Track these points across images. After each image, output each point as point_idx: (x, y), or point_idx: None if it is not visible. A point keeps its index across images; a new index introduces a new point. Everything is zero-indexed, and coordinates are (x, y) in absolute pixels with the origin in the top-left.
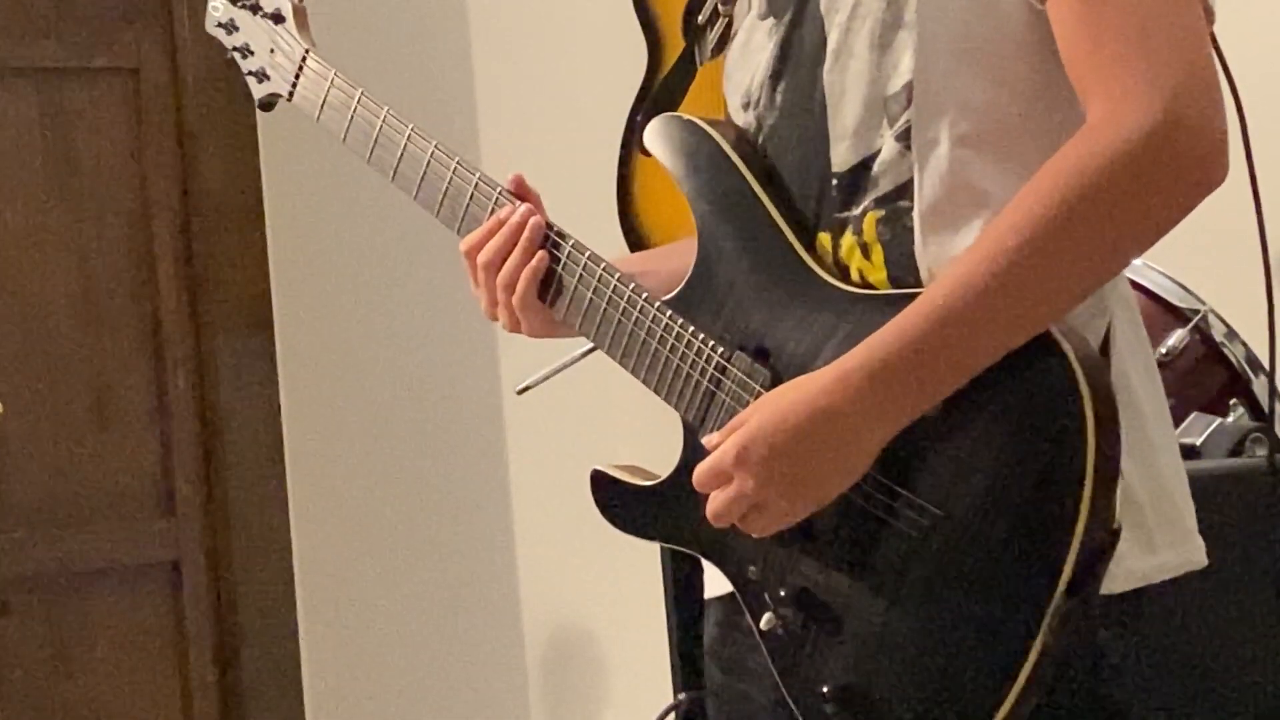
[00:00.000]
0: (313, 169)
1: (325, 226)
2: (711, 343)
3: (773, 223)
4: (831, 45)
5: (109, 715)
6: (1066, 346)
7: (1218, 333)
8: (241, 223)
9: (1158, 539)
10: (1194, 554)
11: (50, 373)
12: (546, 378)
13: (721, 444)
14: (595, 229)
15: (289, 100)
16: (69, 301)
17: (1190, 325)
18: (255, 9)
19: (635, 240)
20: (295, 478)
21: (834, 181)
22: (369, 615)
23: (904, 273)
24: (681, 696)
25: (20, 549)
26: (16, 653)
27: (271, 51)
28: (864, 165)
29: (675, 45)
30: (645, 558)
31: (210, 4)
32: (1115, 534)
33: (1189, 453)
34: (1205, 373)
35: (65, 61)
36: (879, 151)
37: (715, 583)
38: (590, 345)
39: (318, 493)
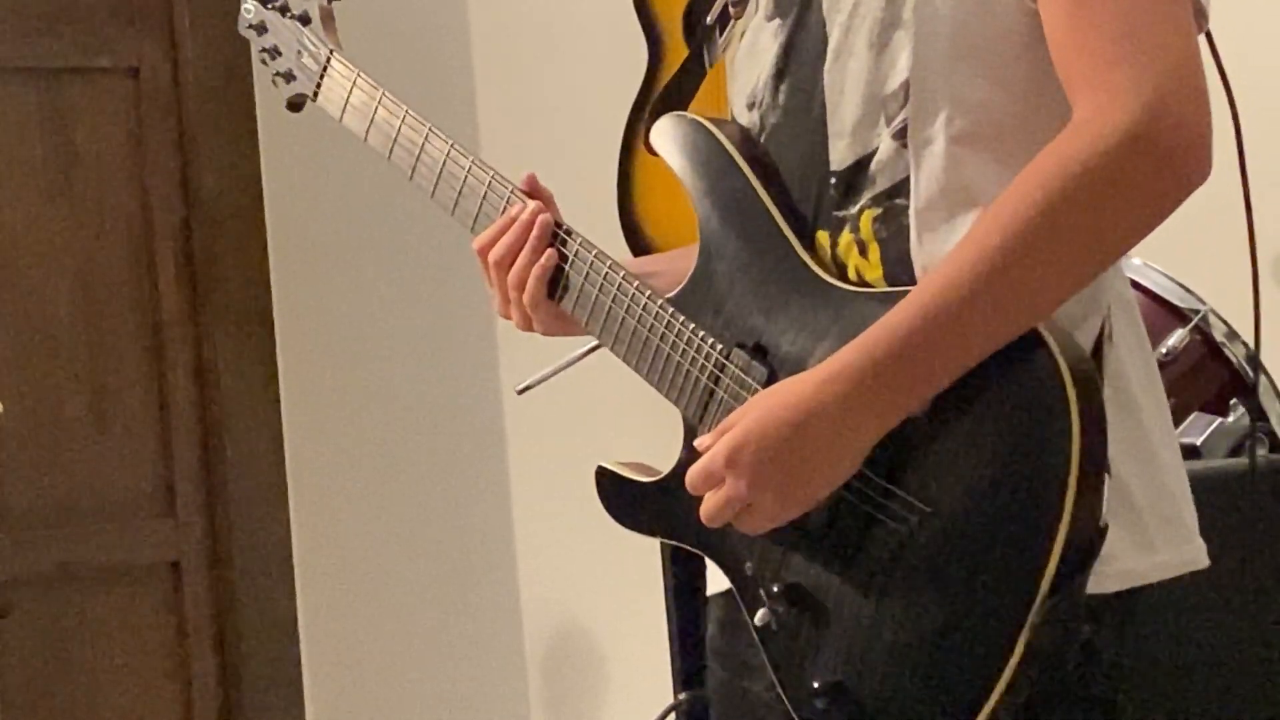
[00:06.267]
0: (313, 169)
1: (325, 226)
2: (711, 340)
3: (772, 221)
4: (832, 44)
5: (109, 715)
6: (1051, 342)
7: (1218, 333)
8: (241, 223)
9: (1156, 538)
10: (1194, 555)
11: (50, 373)
12: (546, 378)
13: (712, 446)
14: (595, 228)
15: (314, 101)
16: (69, 301)
17: (1190, 325)
18: (284, 10)
19: (635, 239)
20: (295, 478)
21: (832, 180)
22: (369, 615)
23: (900, 270)
24: (682, 696)
25: (20, 549)
26: (16, 653)
27: (299, 53)
28: (862, 164)
29: (676, 46)
30: (645, 558)
31: (243, 6)
32: (1102, 531)
33: (1189, 453)
34: (1205, 373)
35: (65, 61)
36: (876, 150)
37: (717, 579)
38: (591, 345)
39: (318, 492)
